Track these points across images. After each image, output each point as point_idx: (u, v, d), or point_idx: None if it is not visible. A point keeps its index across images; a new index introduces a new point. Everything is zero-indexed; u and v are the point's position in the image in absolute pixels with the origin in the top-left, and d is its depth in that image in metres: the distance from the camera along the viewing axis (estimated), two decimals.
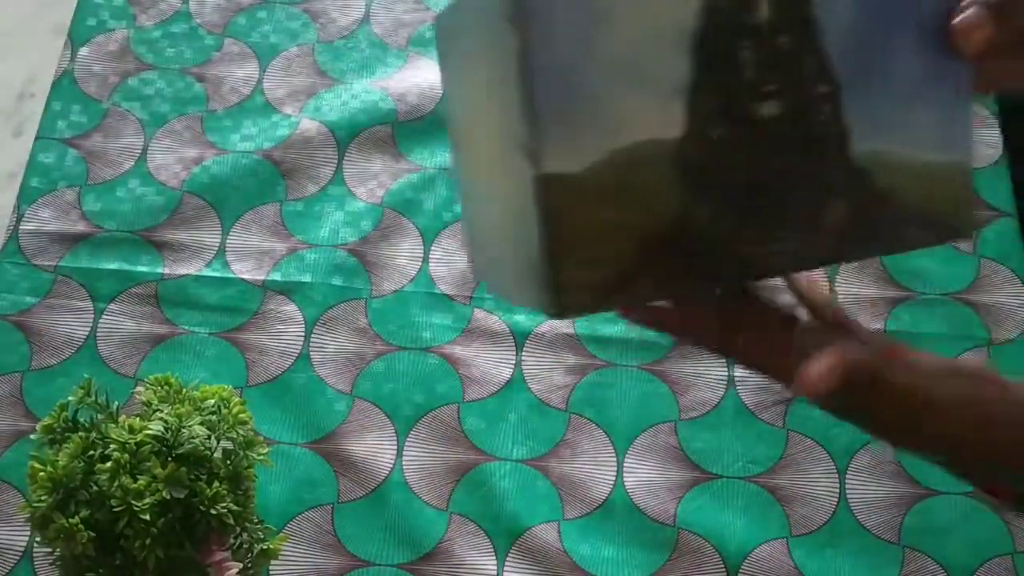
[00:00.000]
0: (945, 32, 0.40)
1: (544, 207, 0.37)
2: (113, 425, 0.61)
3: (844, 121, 0.39)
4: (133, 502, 0.57)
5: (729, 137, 0.38)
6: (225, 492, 0.60)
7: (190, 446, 0.60)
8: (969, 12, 0.39)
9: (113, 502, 0.57)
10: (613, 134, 0.37)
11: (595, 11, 0.36)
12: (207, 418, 0.63)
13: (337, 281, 0.85)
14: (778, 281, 0.44)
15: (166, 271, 0.85)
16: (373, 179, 0.90)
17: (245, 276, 0.85)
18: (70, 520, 0.57)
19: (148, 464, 0.58)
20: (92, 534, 0.57)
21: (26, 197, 0.88)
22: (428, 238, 0.87)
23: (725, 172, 0.38)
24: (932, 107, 0.40)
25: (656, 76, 0.37)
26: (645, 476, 0.77)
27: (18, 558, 0.73)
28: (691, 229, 0.38)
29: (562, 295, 0.37)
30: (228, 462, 0.62)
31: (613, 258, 0.37)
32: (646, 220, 0.37)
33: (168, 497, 0.58)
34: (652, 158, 0.37)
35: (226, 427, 0.63)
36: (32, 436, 0.63)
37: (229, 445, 0.63)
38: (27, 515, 0.59)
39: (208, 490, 0.59)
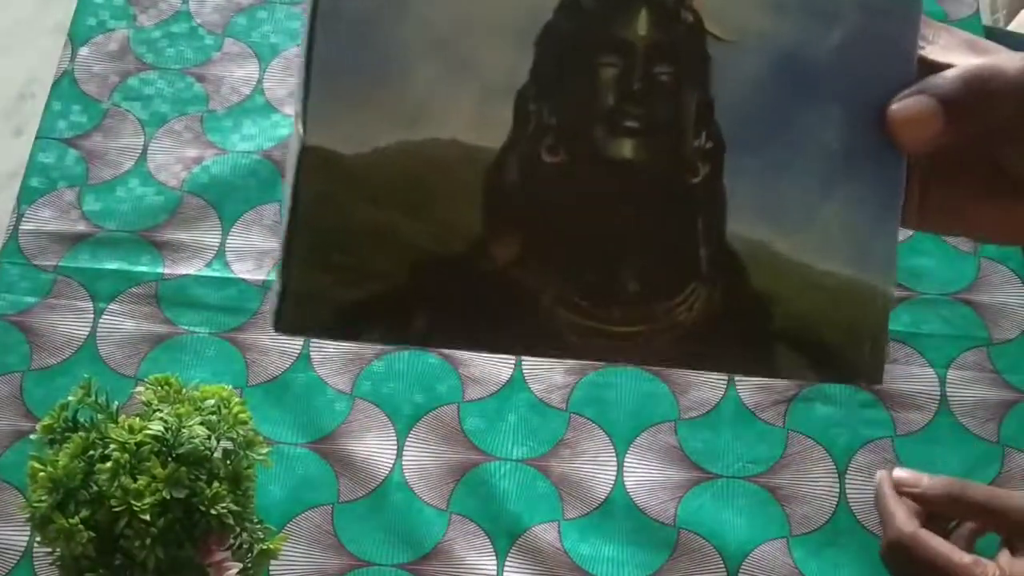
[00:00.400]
0: (882, 117, 0.30)
1: (296, 188, 0.28)
2: (113, 425, 0.61)
3: (724, 190, 0.30)
4: (133, 502, 0.57)
5: (567, 168, 0.29)
6: (225, 492, 0.60)
7: (190, 446, 0.60)
8: (914, 99, 0.30)
9: (113, 502, 0.57)
10: (410, 120, 0.28)
11: None
12: (207, 418, 0.63)
13: None
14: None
15: (166, 271, 0.85)
16: None
17: (245, 276, 0.85)
18: (70, 520, 0.57)
19: (148, 464, 0.58)
20: (92, 534, 0.57)
21: (26, 197, 0.88)
22: None
23: (551, 210, 0.29)
24: (851, 205, 0.31)
25: (486, 65, 0.28)
26: (645, 476, 0.77)
27: (18, 558, 0.73)
28: (486, 269, 0.29)
29: (290, 303, 0.28)
30: (228, 462, 0.62)
31: (375, 276, 0.28)
32: (429, 241, 0.29)
33: (168, 497, 0.58)
34: (456, 164, 0.29)
35: (226, 427, 0.63)
36: (32, 436, 0.63)
37: (229, 445, 0.63)
38: (27, 515, 0.59)
39: (208, 490, 0.59)
